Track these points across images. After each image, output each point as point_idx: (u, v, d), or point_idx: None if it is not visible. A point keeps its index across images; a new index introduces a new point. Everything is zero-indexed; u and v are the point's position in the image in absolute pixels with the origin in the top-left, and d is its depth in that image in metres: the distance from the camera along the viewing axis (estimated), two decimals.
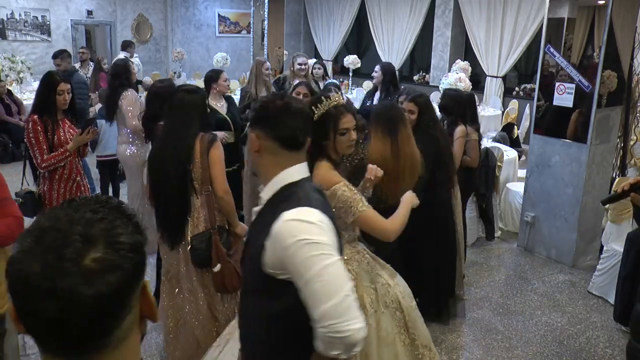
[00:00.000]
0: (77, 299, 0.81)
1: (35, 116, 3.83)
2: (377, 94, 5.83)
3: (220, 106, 4.97)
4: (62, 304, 0.81)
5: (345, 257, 2.61)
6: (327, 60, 13.97)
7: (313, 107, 2.45)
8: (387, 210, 3.35)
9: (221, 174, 3.11)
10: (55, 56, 7.89)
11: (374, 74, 5.94)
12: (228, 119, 4.92)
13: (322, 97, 2.51)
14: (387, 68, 5.91)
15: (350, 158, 3.60)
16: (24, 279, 0.82)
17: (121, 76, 5.29)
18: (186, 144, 3.10)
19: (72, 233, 0.84)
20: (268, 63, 5.96)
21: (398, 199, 3.12)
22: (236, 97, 6.20)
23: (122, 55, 9.65)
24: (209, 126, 3.38)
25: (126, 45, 10.27)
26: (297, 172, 1.80)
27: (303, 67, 6.03)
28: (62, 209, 0.90)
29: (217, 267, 2.92)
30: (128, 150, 5.15)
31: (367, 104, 5.84)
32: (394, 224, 2.58)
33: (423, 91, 4.51)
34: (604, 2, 4.94)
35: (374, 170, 2.77)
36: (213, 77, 5.03)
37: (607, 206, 4.58)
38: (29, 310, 0.83)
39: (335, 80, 5.66)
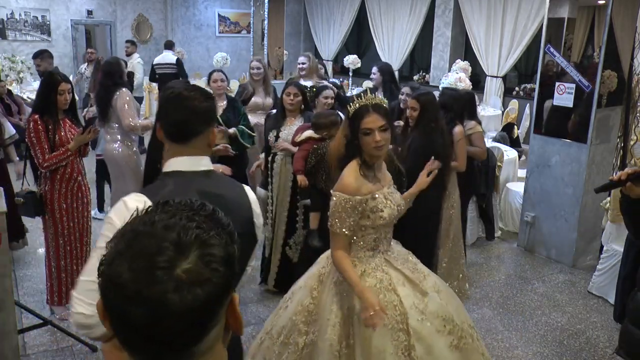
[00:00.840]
0: (166, 307, 0.81)
1: (37, 116, 3.83)
2: (380, 95, 5.82)
3: (219, 106, 4.85)
4: (151, 311, 0.81)
5: (361, 271, 2.60)
6: (327, 60, 13.97)
7: (348, 107, 2.56)
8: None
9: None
10: (35, 56, 7.82)
11: (372, 75, 5.93)
12: (220, 120, 4.72)
13: (354, 97, 2.56)
14: (385, 68, 5.91)
15: (315, 152, 3.67)
16: (114, 281, 0.83)
17: (114, 75, 5.21)
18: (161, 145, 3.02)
19: (165, 240, 0.84)
20: (255, 62, 5.95)
21: None
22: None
23: (170, 53, 9.93)
24: None
25: (171, 45, 10.25)
26: (179, 163, 1.76)
27: (301, 66, 6.04)
28: (157, 213, 0.90)
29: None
30: (115, 151, 5.04)
31: None
32: (339, 260, 2.56)
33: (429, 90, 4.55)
34: (604, 2, 4.94)
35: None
36: (208, 78, 5.03)
37: (607, 206, 4.57)
38: (118, 312, 0.84)
39: (336, 80, 5.65)
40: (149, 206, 0.93)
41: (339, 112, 4.43)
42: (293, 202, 4.40)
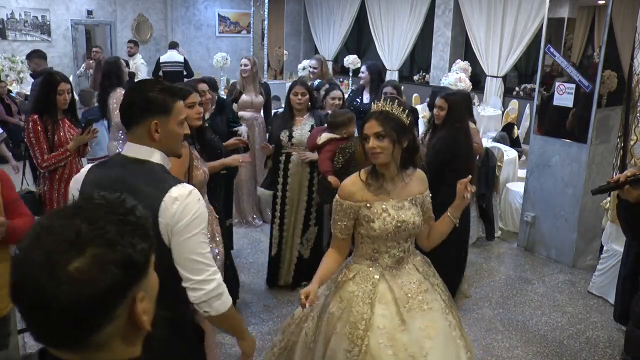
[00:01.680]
0: (46, 303, 0.87)
1: (36, 116, 3.83)
2: (367, 94, 5.83)
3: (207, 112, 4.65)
4: (35, 301, 0.88)
5: (352, 275, 2.55)
6: (328, 60, 13.96)
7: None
8: None
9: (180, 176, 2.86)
10: (28, 57, 7.80)
11: (361, 74, 5.96)
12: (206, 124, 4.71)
13: (373, 103, 2.57)
14: (374, 68, 5.93)
15: (343, 151, 3.66)
16: (16, 275, 0.90)
17: (112, 75, 5.26)
18: None
19: (63, 237, 0.89)
20: (244, 59, 5.96)
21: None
22: None
23: (176, 52, 10.30)
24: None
25: (175, 45, 10.55)
26: (125, 149, 1.97)
27: (313, 70, 6.08)
28: (72, 208, 0.95)
29: None
30: (116, 149, 5.16)
31: (356, 103, 5.81)
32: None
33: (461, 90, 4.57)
34: (604, 2, 4.93)
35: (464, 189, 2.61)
36: (213, 84, 4.93)
37: (607, 206, 4.57)
38: (13, 299, 0.91)
39: (318, 81, 5.69)
40: (75, 200, 1.00)
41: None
42: (309, 202, 4.48)
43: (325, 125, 4.25)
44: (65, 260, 0.87)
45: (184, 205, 1.82)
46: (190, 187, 1.89)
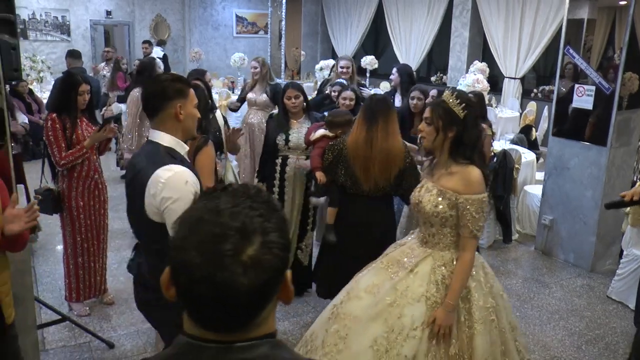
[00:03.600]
0: (234, 290, 0.91)
1: (54, 114, 3.88)
2: (398, 96, 5.80)
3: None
4: (219, 293, 0.92)
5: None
6: None
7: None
8: (356, 195, 3.61)
9: (206, 180, 2.96)
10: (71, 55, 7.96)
11: (391, 76, 5.93)
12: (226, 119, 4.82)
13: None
14: (404, 69, 5.90)
15: (332, 148, 3.72)
16: (185, 267, 0.93)
17: (144, 73, 5.43)
18: None
19: (230, 228, 0.93)
20: (253, 62, 6.19)
21: (370, 188, 3.50)
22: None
23: (158, 49, 10.80)
24: (209, 124, 3.37)
25: (161, 42, 11.06)
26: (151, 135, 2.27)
27: (345, 70, 6.07)
28: (220, 199, 0.98)
29: None
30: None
31: None
32: None
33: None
34: (625, 2, 4.87)
35: None
36: (201, 75, 4.90)
37: (627, 210, 4.51)
38: (188, 292, 0.94)
39: (343, 80, 5.65)
40: (213, 190, 1.02)
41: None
42: (305, 205, 4.41)
43: (324, 122, 4.25)
44: (240, 249, 0.91)
45: (167, 187, 2.06)
46: (178, 168, 2.09)
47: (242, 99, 6.31)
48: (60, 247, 4.90)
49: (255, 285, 0.92)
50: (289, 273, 1.02)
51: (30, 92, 9.01)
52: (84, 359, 3.67)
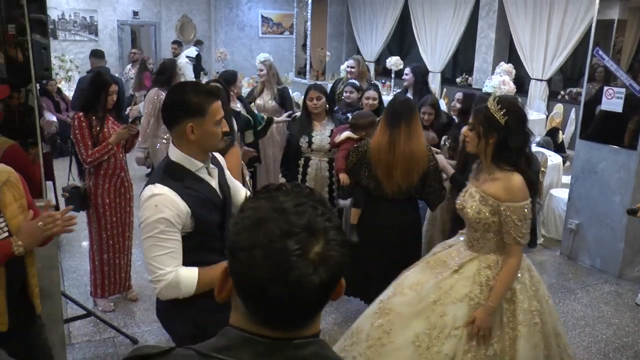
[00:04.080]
0: (303, 287, 0.92)
1: (81, 113, 3.95)
2: (410, 96, 5.77)
3: (238, 107, 4.82)
4: (289, 291, 0.92)
5: None
6: (370, 62, 13.91)
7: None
8: (380, 197, 3.61)
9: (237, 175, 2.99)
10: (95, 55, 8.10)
11: (404, 76, 5.92)
12: (250, 118, 4.82)
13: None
14: (418, 70, 5.89)
15: (356, 150, 3.72)
16: (252, 268, 0.93)
17: (164, 74, 5.46)
18: None
19: (296, 226, 0.94)
20: (260, 65, 6.13)
21: (393, 191, 3.51)
22: None
23: (192, 49, 11.06)
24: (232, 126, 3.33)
25: (198, 42, 11.19)
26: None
27: (350, 69, 6.11)
28: (281, 199, 0.98)
29: None
30: (157, 144, 5.31)
31: None
32: None
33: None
34: None
35: None
36: (230, 79, 4.97)
37: None
38: (254, 292, 0.94)
39: (354, 81, 5.66)
40: (267, 190, 1.02)
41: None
42: None
43: (348, 124, 4.27)
44: (307, 247, 0.92)
45: (143, 207, 2.06)
46: (158, 189, 2.04)
47: (249, 103, 6.00)
48: (86, 244, 4.98)
49: (325, 282, 0.94)
50: None
51: (59, 91, 9.19)
52: (108, 354, 3.73)
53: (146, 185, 2.11)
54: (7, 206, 2.28)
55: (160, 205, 2.01)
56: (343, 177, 3.92)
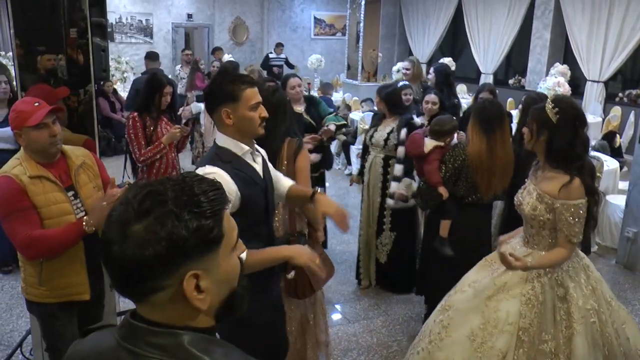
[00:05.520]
0: (110, 254, 1.01)
1: (135, 113, 4.07)
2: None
3: (301, 110, 4.67)
4: (104, 253, 1.03)
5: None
6: (422, 63, 13.78)
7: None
8: (481, 205, 3.62)
9: (305, 183, 3.00)
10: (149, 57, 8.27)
11: (428, 75, 5.95)
12: (312, 122, 4.67)
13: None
14: (441, 69, 5.84)
15: (452, 160, 3.58)
16: (104, 233, 1.05)
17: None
18: (272, 147, 2.98)
19: (131, 205, 1.02)
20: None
21: (490, 197, 3.52)
22: None
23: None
24: (294, 129, 3.32)
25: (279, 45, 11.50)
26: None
27: (405, 71, 6.12)
28: (155, 185, 1.07)
29: (291, 274, 2.79)
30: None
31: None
32: None
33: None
34: None
35: None
36: (282, 80, 4.84)
37: None
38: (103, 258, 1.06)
39: (406, 82, 5.64)
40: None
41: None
42: (381, 204, 4.49)
43: (424, 130, 4.07)
44: (128, 223, 1.00)
45: None
46: (210, 169, 2.14)
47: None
48: None
49: (128, 257, 1.00)
50: (190, 274, 1.03)
51: (114, 91, 9.48)
52: None
53: (196, 169, 2.21)
54: (82, 187, 2.55)
55: (225, 180, 2.11)
56: (442, 191, 3.68)
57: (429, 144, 3.86)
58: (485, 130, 3.45)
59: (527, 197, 2.70)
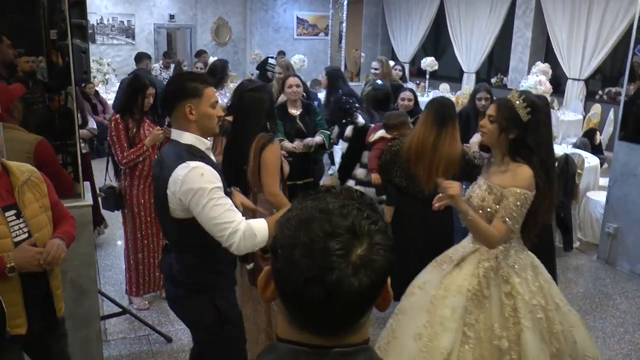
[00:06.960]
0: (343, 289, 0.89)
1: (117, 115, 4.04)
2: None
3: (296, 113, 4.70)
4: (329, 292, 0.89)
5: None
6: (405, 63, 13.83)
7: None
8: (422, 198, 3.58)
9: (271, 177, 3.02)
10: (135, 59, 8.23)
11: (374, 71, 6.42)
12: (304, 129, 4.65)
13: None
14: (332, 73, 6.40)
15: (388, 150, 3.77)
16: (292, 266, 0.91)
17: (216, 74, 5.53)
18: (242, 145, 3.09)
19: (340, 227, 0.91)
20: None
21: (430, 190, 3.46)
22: None
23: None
24: (275, 125, 3.35)
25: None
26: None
27: (374, 71, 6.19)
28: (326, 200, 0.96)
29: (250, 265, 2.83)
30: None
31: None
32: None
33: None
34: None
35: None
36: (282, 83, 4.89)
37: None
38: (294, 292, 0.92)
39: (378, 80, 5.68)
40: (317, 191, 1.01)
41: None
42: None
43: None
44: (350, 248, 0.90)
45: (185, 183, 2.15)
46: (194, 163, 2.17)
47: None
48: (121, 243, 5.09)
49: (365, 286, 0.90)
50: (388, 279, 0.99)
51: (96, 93, 9.38)
52: (143, 351, 3.80)
53: (173, 167, 2.21)
54: (26, 206, 2.25)
55: (207, 174, 2.18)
56: (375, 177, 3.97)
57: (378, 134, 4.26)
58: (437, 124, 3.52)
59: (477, 190, 2.74)
